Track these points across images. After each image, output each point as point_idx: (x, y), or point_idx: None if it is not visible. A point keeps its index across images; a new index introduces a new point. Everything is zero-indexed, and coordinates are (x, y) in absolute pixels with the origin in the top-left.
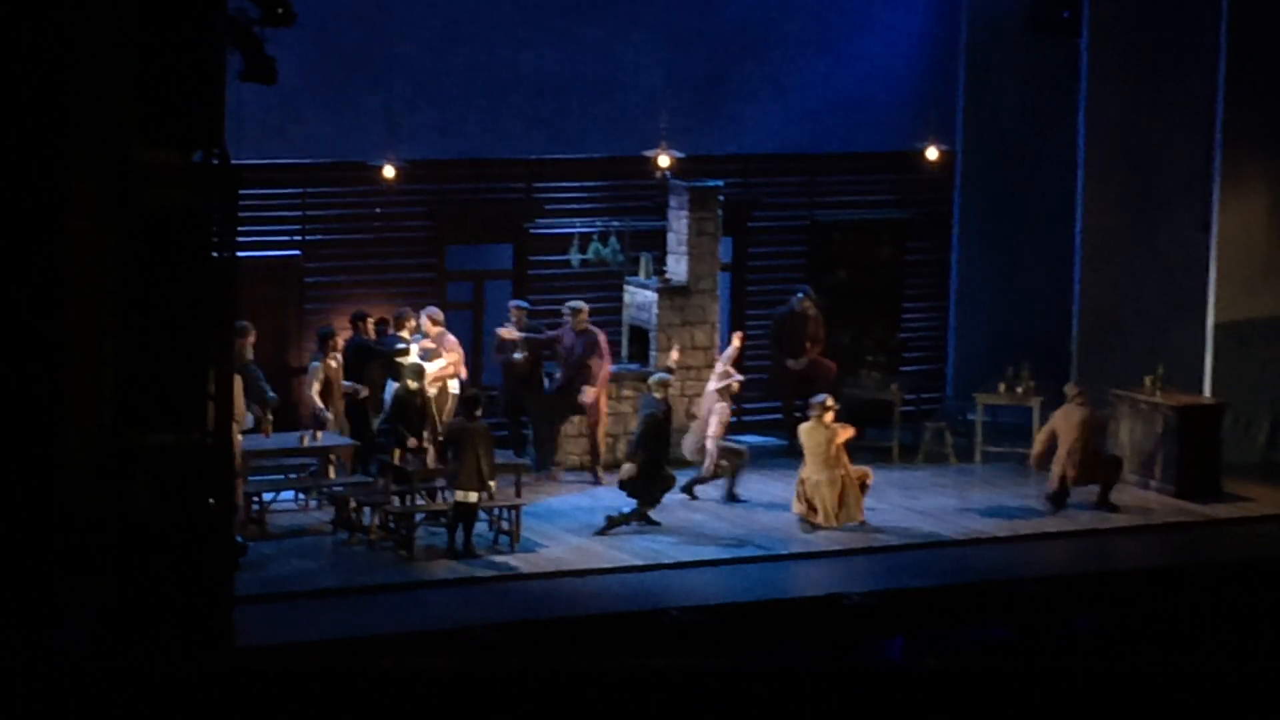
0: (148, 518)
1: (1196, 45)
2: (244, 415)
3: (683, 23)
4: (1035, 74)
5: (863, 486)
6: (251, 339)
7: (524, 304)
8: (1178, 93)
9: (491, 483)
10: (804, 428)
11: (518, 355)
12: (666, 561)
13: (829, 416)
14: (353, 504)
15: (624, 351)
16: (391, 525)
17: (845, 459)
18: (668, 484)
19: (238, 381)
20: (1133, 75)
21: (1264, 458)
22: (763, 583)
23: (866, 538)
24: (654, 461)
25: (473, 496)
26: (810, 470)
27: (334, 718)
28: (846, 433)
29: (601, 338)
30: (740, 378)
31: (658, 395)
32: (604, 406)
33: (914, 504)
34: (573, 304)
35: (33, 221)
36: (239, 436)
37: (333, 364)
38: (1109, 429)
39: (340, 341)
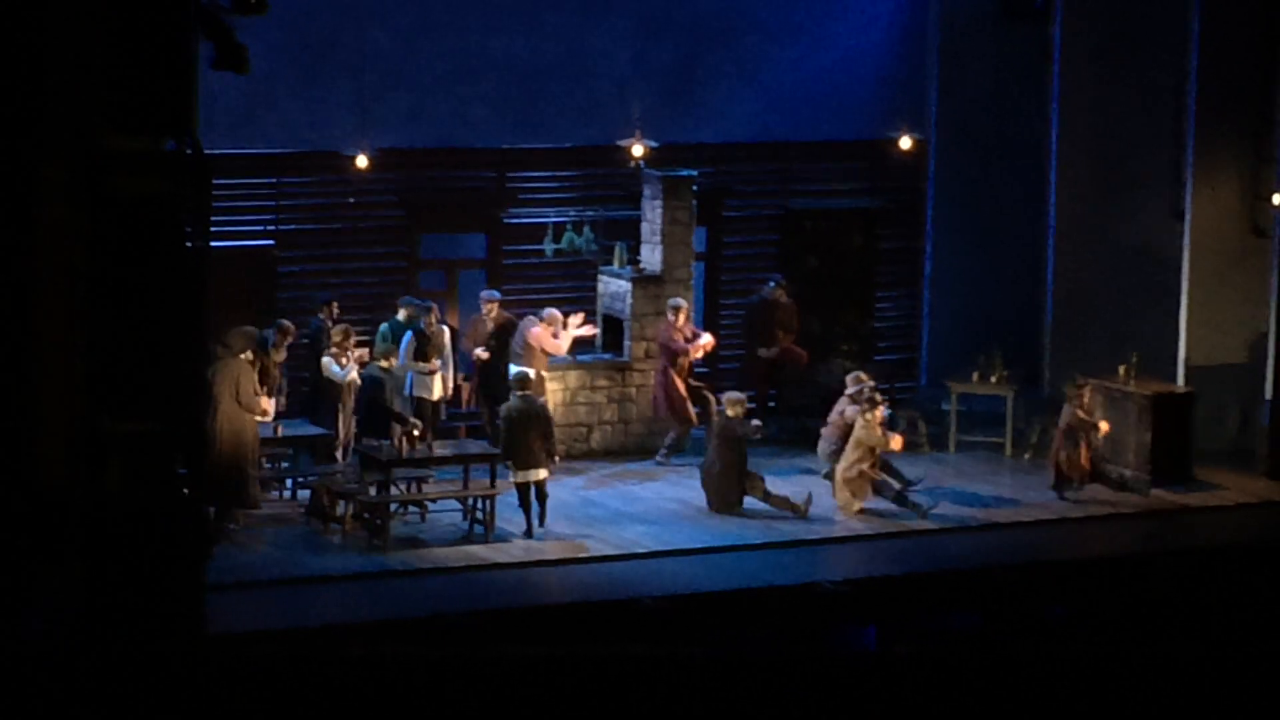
0: (119, 505)
1: (1168, 33)
2: (257, 405)
3: (653, 10)
4: (1007, 62)
5: (856, 489)
6: (290, 339)
7: (495, 294)
8: (1150, 80)
9: (556, 458)
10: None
11: (479, 352)
12: (640, 551)
13: (874, 415)
14: (326, 494)
15: (598, 341)
16: (365, 515)
17: (864, 461)
18: (744, 488)
19: (251, 374)
20: (1104, 63)
21: (1236, 445)
22: (736, 572)
23: (840, 527)
24: (730, 468)
25: (539, 474)
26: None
27: (306, 706)
28: (880, 439)
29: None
30: (871, 383)
31: (730, 414)
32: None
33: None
34: (674, 301)
35: (1, 209)
36: (256, 424)
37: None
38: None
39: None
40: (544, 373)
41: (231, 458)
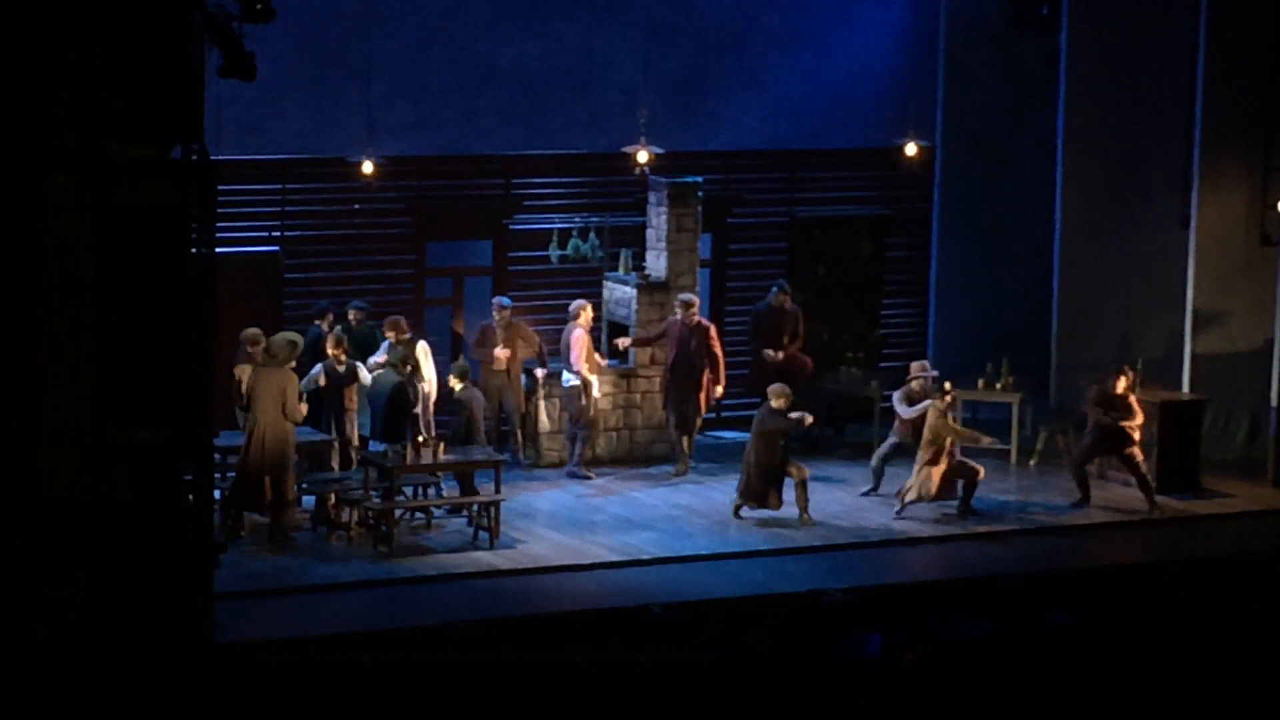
0: (126, 512)
1: (1175, 41)
2: (300, 415)
3: (661, 17)
4: (1014, 70)
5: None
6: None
7: (507, 301)
8: (1156, 88)
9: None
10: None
11: (498, 351)
12: (646, 558)
13: (945, 401)
14: (332, 500)
15: (603, 347)
16: (371, 521)
17: (943, 453)
18: (775, 481)
19: (296, 384)
20: (1111, 71)
21: (1243, 454)
22: (742, 579)
23: (846, 533)
24: (762, 460)
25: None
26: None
27: (314, 714)
28: (950, 429)
29: (714, 330)
30: (934, 372)
31: (774, 405)
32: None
33: (894, 500)
34: (684, 297)
35: (10, 216)
36: (295, 434)
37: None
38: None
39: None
40: (589, 376)
41: (274, 468)
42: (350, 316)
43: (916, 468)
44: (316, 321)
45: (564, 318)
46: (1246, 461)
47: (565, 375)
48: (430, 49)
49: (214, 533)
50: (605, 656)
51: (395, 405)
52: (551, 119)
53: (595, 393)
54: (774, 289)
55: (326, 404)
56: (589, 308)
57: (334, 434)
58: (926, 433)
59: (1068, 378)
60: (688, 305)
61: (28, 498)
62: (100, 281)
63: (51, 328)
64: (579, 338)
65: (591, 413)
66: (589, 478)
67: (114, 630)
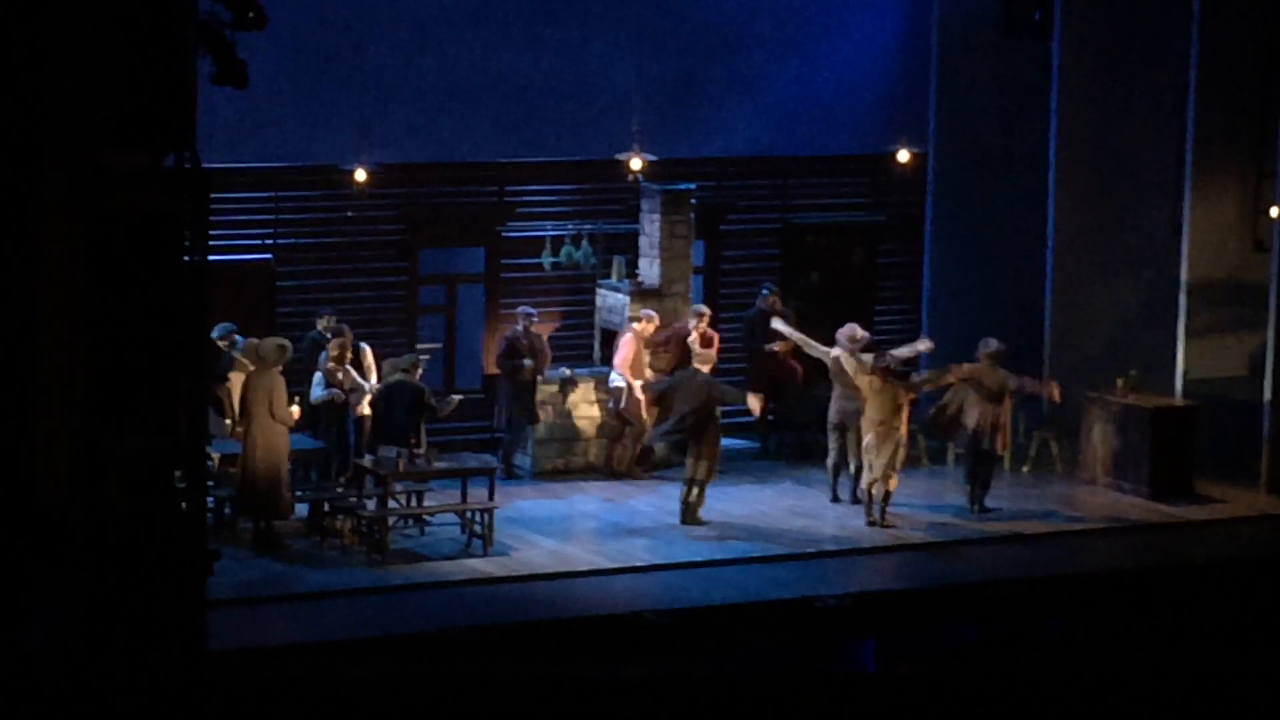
0: (120, 521)
1: (1167, 48)
2: (291, 417)
3: (653, 25)
4: (1007, 77)
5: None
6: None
7: (532, 311)
8: (1148, 95)
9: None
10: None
11: (527, 362)
12: (640, 564)
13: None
14: (326, 507)
15: (595, 354)
16: (364, 529)
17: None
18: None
19: (284, 386)
20: (1104, 77)
21: (1236, 460)
22: (736, 586)
23: (838, 540)
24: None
25: None
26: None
27: None
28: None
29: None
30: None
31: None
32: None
33: (886, 506)
34: (643, 313)
35: (3, 224)
36: (287, 435)
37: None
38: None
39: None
40: (634, 381)
41: (267, 469)
42: (319, 325)
43: (874, 454)
44: (319, 327)
45: (558, 324)
46: (1239, 467)
47: (613, 376)
48: (422, 57)
49: (208, 540)
50: (599, 664)
51: (415, 410)
52: (544, 126)
53: (639, 395)
54: (763, 292)
55: (328, 413)
56: (655, 320)
57: (335, 442)
58: (878, 411)
59: (1061, 384)
60: (648, 319)
61: (22, 505)
62: (94, 289)
63: (45, 335)
64: (627, 341)
65: (632, 414)
66: (637, 478)
67: (108, 637)
